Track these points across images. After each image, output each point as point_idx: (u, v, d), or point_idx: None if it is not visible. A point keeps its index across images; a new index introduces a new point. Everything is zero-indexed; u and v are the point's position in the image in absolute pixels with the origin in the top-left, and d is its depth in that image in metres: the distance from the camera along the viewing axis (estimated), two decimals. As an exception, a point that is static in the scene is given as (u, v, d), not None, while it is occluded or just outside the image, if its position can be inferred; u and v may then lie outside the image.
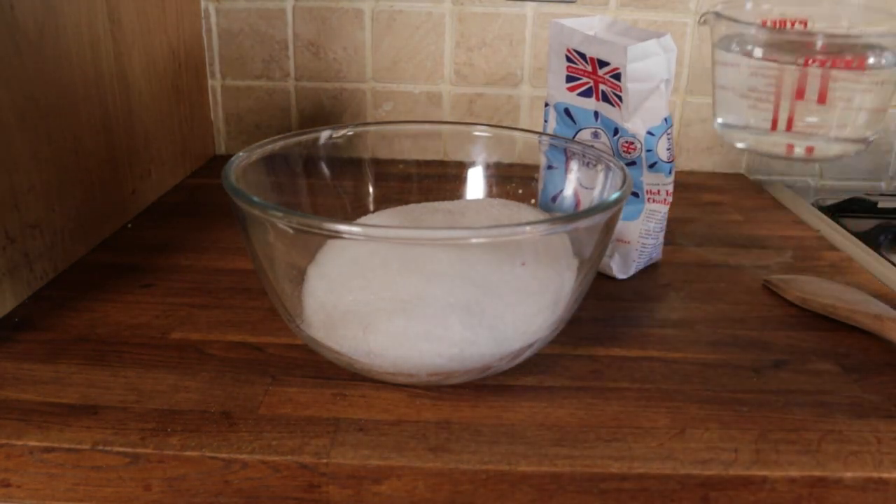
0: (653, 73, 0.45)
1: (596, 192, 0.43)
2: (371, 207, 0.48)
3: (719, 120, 0.54)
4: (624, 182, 0.36)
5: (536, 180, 0.49)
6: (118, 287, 0.47)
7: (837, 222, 0.64)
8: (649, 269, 0.53)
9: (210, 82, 0.77)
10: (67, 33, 0.48)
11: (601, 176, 0.42)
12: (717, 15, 0.51)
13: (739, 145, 0.53)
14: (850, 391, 0.38)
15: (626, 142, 0.47)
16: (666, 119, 0.46)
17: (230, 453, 0.32)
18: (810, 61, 0.46)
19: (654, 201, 0.49)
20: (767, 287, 0.50)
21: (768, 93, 0.48)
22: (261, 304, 0.45)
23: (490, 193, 0.50)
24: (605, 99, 0.47)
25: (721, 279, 0.51)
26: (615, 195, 0.35)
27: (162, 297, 0.46)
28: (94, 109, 0.52)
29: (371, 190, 0.48)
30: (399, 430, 0.34)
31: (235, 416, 0.34)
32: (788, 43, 0.49)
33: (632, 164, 0.48)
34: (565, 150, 0.47)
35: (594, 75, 0.47)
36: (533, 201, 0.49)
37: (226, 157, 0.39)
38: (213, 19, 0.74)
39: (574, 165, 0.46)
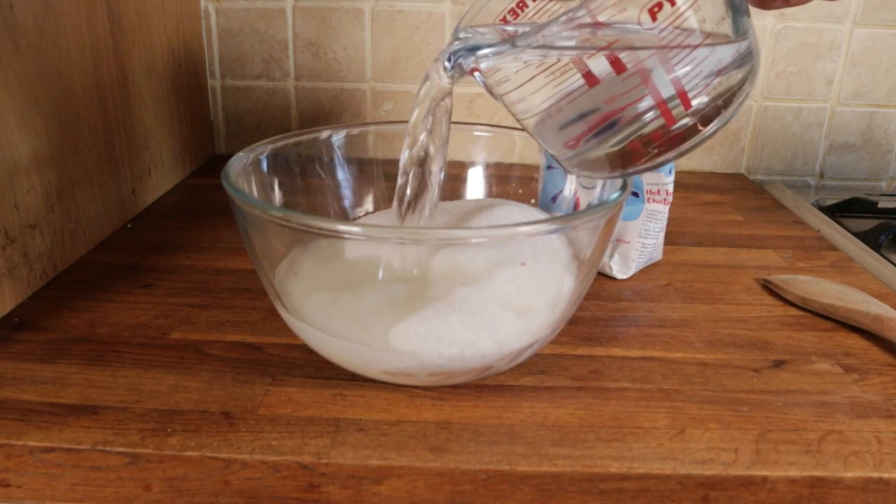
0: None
1: (596, 192, 0.42)
2: (371, 207, 0.48)
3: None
4: (624, 182, 0.36)
5: (536, 180, 0.49)
6: (118, 287, 0.47)
7: (837, 222, 0.64)
8: (649, 269, 0.53)
9: (210, 82, 0.77)
10: (67, 33, 0.48)
11: (601, 176, 0.42)
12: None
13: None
14: (850, 391, 0.38)
15: (626, 142, 0.47)
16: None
17: (230, 453, 0.32)
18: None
19: (654, 201, 0.49)
20: (767, 287, 0.50)
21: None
22: (261, 304, 0.45)
23: (490, 193, 0.50)
24: None
25: (721, 279, 0.51)
26: (615, 195, 0.35)
27: (162, 297, 0.46)
28: (94, 109, 0.52)
29: (371, 190, 0.48)
30: (399, 430, 0.34)
31: (235, 416, 0.34)
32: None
33: (632, 164, 0.48)
34: (565, 150, 0.46)
35: None
36: (533, 201, 0.49)
37: (226, 157, 0.39)
38: (212, 19, 0.74)
39: (574, 165, 0.46)
